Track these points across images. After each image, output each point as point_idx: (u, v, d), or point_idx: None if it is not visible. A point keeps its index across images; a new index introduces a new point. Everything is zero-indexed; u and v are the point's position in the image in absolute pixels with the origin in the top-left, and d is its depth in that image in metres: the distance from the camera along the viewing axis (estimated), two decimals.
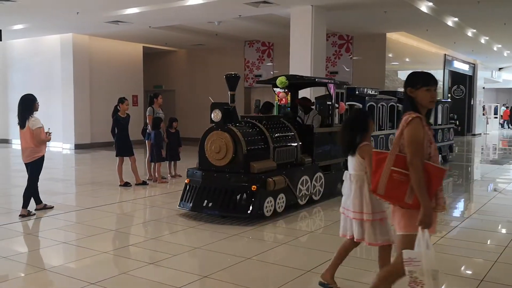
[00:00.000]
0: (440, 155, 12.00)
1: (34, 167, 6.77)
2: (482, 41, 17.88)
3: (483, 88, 28.06)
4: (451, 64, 22.20)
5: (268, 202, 6.20)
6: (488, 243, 5.70)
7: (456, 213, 7.51)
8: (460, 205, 8.14)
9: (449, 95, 24.47)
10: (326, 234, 5.90)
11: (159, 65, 20.85)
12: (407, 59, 17.99)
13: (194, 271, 4.49)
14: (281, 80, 7.48)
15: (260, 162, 6.33)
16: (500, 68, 29.66)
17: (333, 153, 7.91)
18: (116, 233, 5.90)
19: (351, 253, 5.03)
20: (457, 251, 5.19)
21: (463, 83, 25.08)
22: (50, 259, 4.77)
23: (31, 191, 6.78)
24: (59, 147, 16.56)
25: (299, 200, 6.93)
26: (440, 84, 21.45)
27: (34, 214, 6.70)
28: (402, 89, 10.86)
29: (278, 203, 6.44)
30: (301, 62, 11.09)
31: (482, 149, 19.79)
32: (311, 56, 11.05)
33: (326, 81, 8.01)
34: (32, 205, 6.81)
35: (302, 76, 8.05)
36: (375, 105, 9.55)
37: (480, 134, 26.71)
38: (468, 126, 25.64)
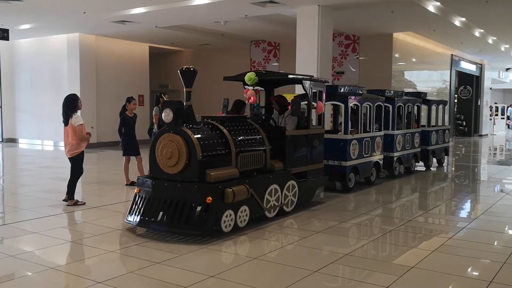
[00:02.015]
0: (434, 158, 11.89)
1: (76, 162, 7.19)
2: (490, 41, 17.76)
3: (490, 88, 27.90)
4: (458, 64, 22.08)
5: (226, 216, 5.38)
6: (496, 244, 5.66)
7: (463, 214, 7.46)
8: (467, 206, 8.09)
9: (456, 95, 24.36)
10: (297, 249, 5.16)
11: (165, 65, 20.88)
12: (413, 59, 17.90)
13: None
14: (249, 76, 6.77)
15: (218, 169, 5.51)
16: (507, 69, 29.47)
17: (310, 158, 7.08)
18: (123, 232, 5.90)
19: (355, 253, 5.01)
20: (464, 252, 5.15)
21: (470, 83, 24.94)
22: (57, 257, 4.78)
23: (75, 183, 7.24)
24: None
25: (266, 213, 6.09)
26: (446, 84, 21.37)
27: (84, 203, 7.17)
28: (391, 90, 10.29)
29: (240, 216, 5.58)
30: (307, 62, 11.06)
31: (489, 149, 19.67)
32: (318, 56, 11.02)
33: (300, 77, 7.18)
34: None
35: (273, 72, 7.34)
36: (359, 105, 8.56)
37: (487, 134, 26.56)
38: (475, 127, 25.51)
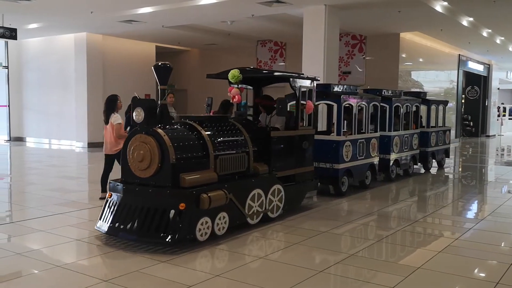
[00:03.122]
0: (434, 161, 11.57)
1: (114, 158, 7.56)
2: (498, 41, 17.65)
3: (498, 89, 27.73)
4: (465, 64, 21.96)
5: (202, 224, 4.99)
6: (503, 245, 5.62)
7: (470, 215, 7.43)
8: (474, 207, 8.04)
9: (463, 96, 24.23)
10: (280, 259, 4.76)
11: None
12: (420, 59, 17.83)
13: None
14: (233, 73, 6.39)
15: (194, 173, 5.09)
16: None
17: (298, 161, 6.69)
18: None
19: (360, 254, 5.00)
20: (471, 253, 5.12)
21: (477, 83, 24.81)
22: (63, 256, 4.80)
23: (107, 178, 7.42)
24: (72, 145, 16.72)
25: (248, 219, 5.70)
26: (454, 84, 21.26)
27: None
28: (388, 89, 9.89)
29: (217, 224, 5.21)
30: (313, 62, 11.05)
31: (496, 150, 19.55)
32: (324, 56, 11.00)
33: (287, 75, 6.74)
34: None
35: (258, 69, 6.70)
36: (353, 104, 8.17)
37: (495, 135, 26.41)
38: (482, 127, 25.37)
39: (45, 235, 5.58)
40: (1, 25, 13.72)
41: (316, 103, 7.81)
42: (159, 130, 5.10)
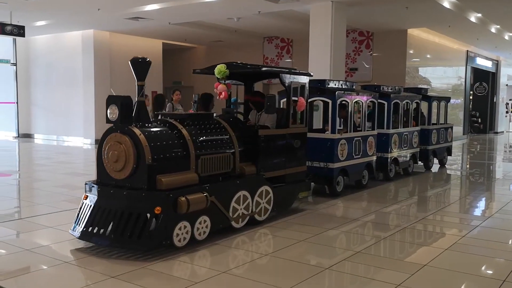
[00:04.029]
0: (435, 158, 11.27)
1: None
2: (506, 37, 17.51)
3: (506, 85, 27.52)
4: (473, 60, 21.81)
5: (180, 229, 4.70)
6: (510, 243, 5.60)
7: (477, 212, 7.39)
8: (482, 204, 8.01)
9: (471, 92, 24.08)
10: (267, 265, 4.57)
11: (178, 61, 20.96)
12: (428, 56, 17.73)
13: None
14: (219, 69, 6.04)
15: (172, 175, 4.80)
16: None
17: (289, 160, 6.36)
18: None
19: (365, 250, 5.01)
20: (478, 250, 5.11)
21: (485, 80, 24.64)
22: (71, 252, 4.84)
23: None
24: (80, 142, 16.82)
25: (233, 223, 5.41)
26: (462, 81, 21.12)
27: None
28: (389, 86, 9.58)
29: (198, 228, 4.91)
30: (320, 59, 11.02)
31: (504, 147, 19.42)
32: (331, 52, 10.97)
33: (277, 70, 6.40)
34: None
35: (246, 64, 6.38)
36: (349, 101, 7.83)
37: (503, 132, 26.23)
38: (491, 124, 25.21)
39: (53, 231, 5.63)
40: (9, 23, 13.81)
41: (310, 100, 7.58)
42: (135, 129, 4.79)
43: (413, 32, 16.02)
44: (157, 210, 4.54)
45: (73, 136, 17.45)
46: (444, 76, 19.61)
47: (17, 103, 18.89)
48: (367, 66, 16.23)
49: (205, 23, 15.17)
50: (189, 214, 4.74)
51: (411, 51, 16.14)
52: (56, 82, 18.02)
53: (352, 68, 16.31)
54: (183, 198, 4.65)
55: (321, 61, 11.00)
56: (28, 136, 19.00)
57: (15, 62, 18.67)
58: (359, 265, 4.58)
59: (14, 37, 15.19)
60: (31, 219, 6.22)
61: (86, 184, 5.14)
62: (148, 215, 4.62)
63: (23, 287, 3.95)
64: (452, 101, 20.27)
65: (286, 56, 18.25)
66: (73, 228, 5.02)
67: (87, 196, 5.06)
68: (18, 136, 18.95)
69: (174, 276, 4.22)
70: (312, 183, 7.64)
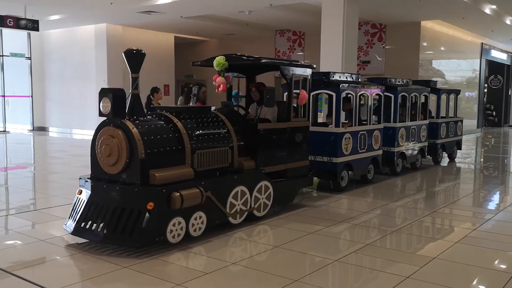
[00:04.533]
0: (444, 153, 11.04)
1: None
2: None
3: None
4: (488, 53, 21.52)
5: (174, 225, 4.59)
6: None
7: (491, 205, 7.35)
8: (495, 197, 7.95)
9: (486, 85, 23.79)
10: (265, 262, 4.41)
11: (190, 55, 20.99)
12: (442, 48, 17.54)
13: None
14: (218, 61, 5.88)
15: (166, 169, 4.68)
16: None
17: (291, 155, 6.20)
18: None
19: (375, 243, 5.02)
20: (490, 244, 5.09)
21: (500, 72, 24.32)
22: (85, 242, 4.93)
23: None
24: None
25: (230, 219, 5.27)
26: (476, 73, 20.87)
27: None
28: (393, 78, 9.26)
29: (193, 224, 4.79)
30: (332, 52, 10.97)
31: None
32: (343, 45, 10.91)
33: (278, 62, 6.22)
34: None
35: (245, 56, 6.19)
36: (354, 94, 7.66)
37: None
38: (505, 117, 24.90)
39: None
40: (23, 17, 13.97)
41: (314, 93, 7.46)
42: (128, 122, 4.67)
43: (427, 24, 15.85)
44: (150, 205, 4.45)
45: (87, 129, 17.62)
46: (458, 69, 19.40)
47: (32, 96, 19.12)
48: (379, 59, 16.12)
49: (217, 17, 15.18)
50: (183, 210, 4.63)
51: (425, 44, 15.98)
52: (70, 76, 18.21)
53: (365, 61, 16.21)
54: (177, 194, 4.54)
55: (333, 54, 10.94)
56: (42, 129, 19.24)
57: (29, 56, 18.89)
58: (367, 258, 4.60)
59: (29, 31, 15.34)
60: (46, 211, 6.33)
61: (80, 178, 5.04)
62: (140, 211, 4.48)
63: (39, 276, 4.04)
64: (466, 94, 20.12)
65: (298, 49, 18.19)
66: (66, 224, 4.95)
67: (81, 191, 4.97)
68: (33, 129, 19.21)
69: (166, 274, 4.08)
70: (316, 178, 7.53)
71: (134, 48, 5.02)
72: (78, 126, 18.03)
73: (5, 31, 16.54)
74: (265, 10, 13.49)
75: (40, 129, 19.25)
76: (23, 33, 17.68)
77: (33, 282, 3.86)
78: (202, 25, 16.50)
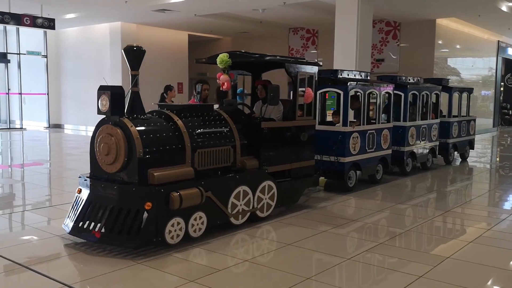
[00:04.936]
0: (455, 152, 10.82)
1: None
2: None
3: None
4: (505, 51, 21.22)
5: (173, 225, 4.49)
6: None
7: (507, 205, 7.26)
8: (509, 197, 7.85)
9: (502, 83, 23.46)
10: (269, 263, 4.29)
11: (204, 53, 21.05)
12: (457, 46, 17.35)
13: None
14: (221, 58, 5.71)
15: (165, 169, 4.58)
16: None
17: (295, 154, 6.04)
18: None
19: (389, 242, 5.00)
20: (505, 244, 5.03)
21: None
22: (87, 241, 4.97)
23: None
24: None
25: (232, 219, 5.15)
26: (493, 72, 20.61)
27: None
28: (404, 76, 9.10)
29: (193, 225, 4.68)
30: (346, 50, 10.93)
31: None
32: (357, 43, 10.86)
33: (283, 59, 6.00)
34: None
35: (250, 54, 5.97)
36: (362, 92, 7.49)
37: None
38: None
39: None
40: (40, 15, 14.15)
41: (321, 91, 7.32)
42: (126, 121, 4.58)
43: (442, 22, 15.69)
44: (148, 205, 4.36)
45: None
46: (474, 67, 19.17)
47: (48, 94, 19.37)
48: (394, 57, 16.00)
49: (231, 15, 15.20)
50: (182, 210, 4.52)
51: (440, 42, 15.82)
52: (85, 73, 18.40)
53: (379, 59, 16.11)
54: (175, 194, 4.43)
55: (347, 52, 10.89)
56: (58, 126, 19.48)
57: (46, 54, 19.13)
58: (379, 257, 4.58)
59: (45, 29, 15.54)
60: (61, 207, 6.41)
61: (80, 177, 4.97)
62: (139, 210, 4.39)
63: (55, 271, 4.11)
64: (482, 92, 19.89)
65: (311, 47, 18.14)
66: (65, 222, 4.87)
67: (81, 190, 4.89)
68: (49, 127, 19.46)
69: (165, 273, 4.02)
70: (323, 178, 7.40)
71: (134, 45, 4.87)
72: (93, 123, 17.93)
73: (22, 29, 16.76)
74: (278, 8, 13.48)
75: (55, 126, 19.49)
76: (40, 31, 17.91)
77: (49, 276, 3.92)
78: (215, 23, 16.54)
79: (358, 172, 7.60)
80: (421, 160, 9.48)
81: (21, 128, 18.81)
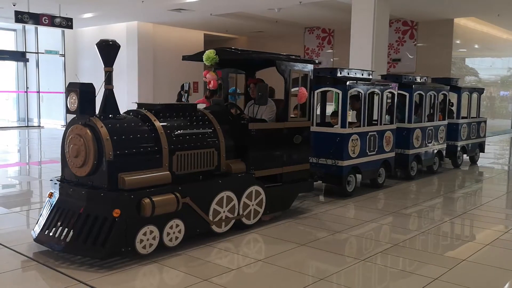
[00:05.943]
0: (464, 155, 10.35)
1: None
2: None
3: None
4: None
5: (145, 234, 4.13)
6: None
7: None
8: None
9: None
10: (251, 274, 4.00)
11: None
12: (476, 46, 17.14)
13: None
14: (208, 55, 5.30)
15: (138, 173, 4.21)
16: None
17: (288, 158, 5.60)
18: None
19: (403, 244, 4.95)
20: None
21: None
22: None
23: None
24: None
25: (214, 227, 4.75)
26: (511, 72, 20.30)
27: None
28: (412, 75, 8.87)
29: (168, 233, 4.31)
30: (362, 49, 10.86)
31: None
32: (373, 42, 10.77)
33: (274, 57, 5.53)
34: None
35: (237, 50, 5.55)
36: (363, 92, 7.07)
37: None
38: None
39: None
40: (58, 15, 14.34)
41: (319, 90, 7.08)
42: (97, 121, 4.22)
43: (460, 21, 15.50)
44: (116, 212, 3.99)
45: None
46: (492, 67, 18.91)
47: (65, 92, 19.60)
48: (410, 56, 15.86)
49: (246, 14, 15.22)
50: (156, 217, 4.16)
51: (458, 41, 15.63)
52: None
53: (395, 59, 15.98)
54: (147, 200, 4.07)
55: (363, 52, 10.82)
56: None
57: (63, 53, 19.37)
58: (393, 258, 4.54)
59: (63, 29, 15.75)
60: None
61: (51, 180, 4.64)
62: (106, 218, 4.02)
63: (68, 268, 4.14)
64: (500, 93, 19.61)
65: (327, 46, 18.07)
66: (34, 229, 4.51)
67: (52, 194, 4.54)
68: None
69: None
70: (321, 182, 7.08)
71: (109, 40, 4.50)
72: None
73: (41, 29, 17.02)
74: (294, 7, 13.46)
75: None
76: (58, 31, 18.14)
77: (66, 274, 3.96)
78: (231, 23, 16.58)
79: (358, 176, 7.27)
80: (427, 164, 8.99)
81: (39, 126, 19.09)
